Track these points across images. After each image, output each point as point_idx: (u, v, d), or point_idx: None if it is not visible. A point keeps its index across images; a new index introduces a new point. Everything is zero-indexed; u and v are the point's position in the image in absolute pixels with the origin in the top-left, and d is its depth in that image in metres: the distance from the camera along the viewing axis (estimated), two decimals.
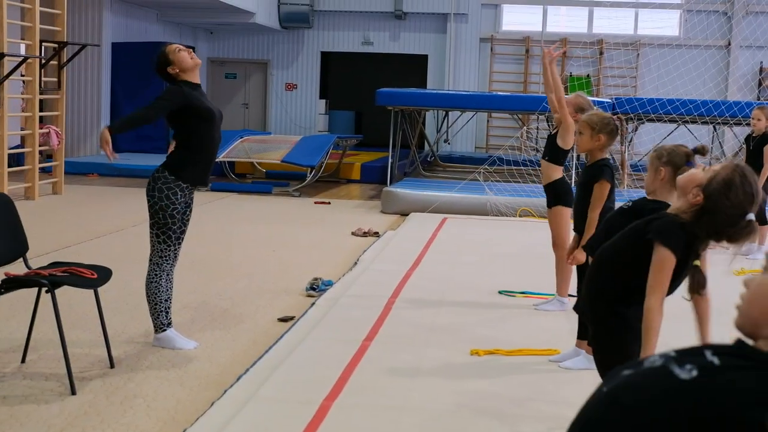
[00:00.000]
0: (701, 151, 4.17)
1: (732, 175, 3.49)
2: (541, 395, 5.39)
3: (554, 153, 7.34)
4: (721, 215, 3.49)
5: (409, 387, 5.44)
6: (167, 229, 6.10)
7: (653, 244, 3.59)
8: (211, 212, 13.28)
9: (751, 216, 3.50)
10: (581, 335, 5.95)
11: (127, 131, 6.34)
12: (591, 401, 1.81)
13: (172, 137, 6.25)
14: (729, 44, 23.83)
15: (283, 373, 5.60)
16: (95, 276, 5.57)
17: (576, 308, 4.32)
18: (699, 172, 3.67)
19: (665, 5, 24.30)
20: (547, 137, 7.89)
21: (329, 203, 15.02)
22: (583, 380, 5.43)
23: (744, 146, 10.93)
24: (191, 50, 6.30)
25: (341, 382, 5.43)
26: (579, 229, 6.15)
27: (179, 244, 6.30)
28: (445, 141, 22.25)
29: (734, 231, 3.51)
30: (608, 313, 3.85)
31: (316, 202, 15.06)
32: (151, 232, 6.17)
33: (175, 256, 6.31)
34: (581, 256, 5.99)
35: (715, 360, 1.74)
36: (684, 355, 1.78)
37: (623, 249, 3.81)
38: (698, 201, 3.52)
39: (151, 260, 6.21)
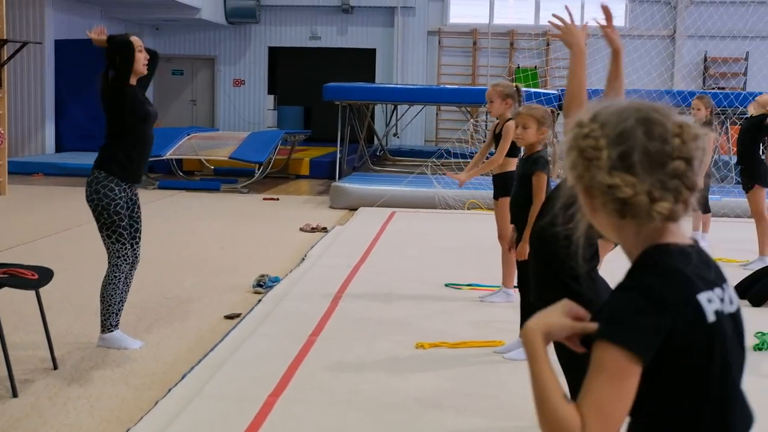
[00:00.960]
0: None
1: None
2: (485, 386, 5.42)
3: (512, 145, 7.28)
4: None
5: (355, 381, 5.45)
6: (116, 226, 6.05)
7: None
8: (158, 210, 13.18)
9: None
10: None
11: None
12: None
13: (106, 132, 6.17)
14: (674, 34, 24.08)
15: (228, 370, 5.59)
16: (36, 277, 5.52)
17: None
18: None
19: None
20: None
21: (278, 199, 14.99)
22: (526, 370, 5.46)
23: None
24: (148, 57, 6.22)
25: (286, 378, 5.43)
26: (516, 220, 6.19)
27: (135, 243, 6.25)
28: (395, 135, 22.29)
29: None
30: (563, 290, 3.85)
31: (264, 199, 15.02)
32: (102, 235, 6.11)
33: (135, 257, 6.26)
34: (525, 249, 6.01)
35: None
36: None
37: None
38: None
39: (109, 262, 6.14)
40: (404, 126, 21.91)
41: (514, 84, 7.51)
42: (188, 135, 17.22)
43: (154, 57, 6.38)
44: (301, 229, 11.60)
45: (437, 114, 24.41)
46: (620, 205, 1.76)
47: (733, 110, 15.99)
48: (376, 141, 21.13)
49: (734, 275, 9.01)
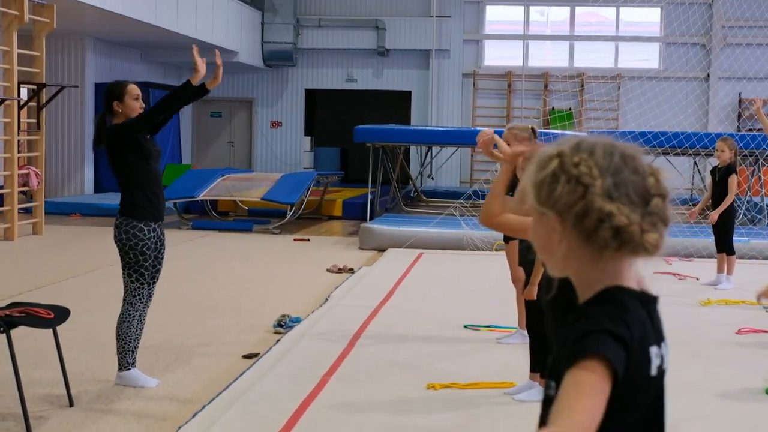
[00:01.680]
0: None
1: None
2: (493, 427, 5.47)
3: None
4: None
5: (362, 422, 5.52)
6: (139, 266, 6.19)
7: None
8: (190, 250, 13.36)
9: None
10: (534, 368, 6.04)
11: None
12: None
13: (117, 179, 6.34)
14: (708, 76, 24.07)
15: (239, 409, 5.68)
16: (52, 316, 5.66)
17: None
18: None
19: (645, 38, 24.55)
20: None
21: (308, 240, 15.13)
22: (535, 412, 5.50)
23: (711, 178, 11.05)
24: (144, 107, 6.37)
25: (294, 418, 5.51)
26: (523, 262, 6.25)
27: (153, 283, 6.38)
28: (429, 176, 22.41)
29: None
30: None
31: (295, 239, 15.16)
32: (123, 273, 6.26)
33: (149, 296, 6.39)
34: (533, 291, 6.07)
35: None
36: (550, 373, 1.90)
37: None
38: None
39: (124, 300, 6.29)
40: (438, 167, 22.03)
41: (529, 126, 7.57)
42: (222, 176, 17.45)
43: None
44: (328, 270, 11.70)
45: (472, 155, 24.51)
46: (613, 234, 1.80)
47: (763, 152, 15.94)
48: (411, 182, 21.27)
49: (757, 318, 9.00)
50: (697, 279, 11.24)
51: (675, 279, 11.33)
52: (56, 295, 9.30)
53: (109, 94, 6.29)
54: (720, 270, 10.86)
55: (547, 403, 1.84)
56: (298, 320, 8.40)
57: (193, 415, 5.58)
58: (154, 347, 7.48)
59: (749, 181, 17.91)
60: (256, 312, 9.01)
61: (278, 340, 7.63)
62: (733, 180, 10.51)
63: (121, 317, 6.25)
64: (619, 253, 1.82)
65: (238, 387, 6.19)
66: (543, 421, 1.90)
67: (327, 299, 9.58)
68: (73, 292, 9.67)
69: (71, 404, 5.86)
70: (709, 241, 11.68)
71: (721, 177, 10.59)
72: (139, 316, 6.30)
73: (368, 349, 7.39)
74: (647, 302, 1.88)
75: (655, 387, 1.84)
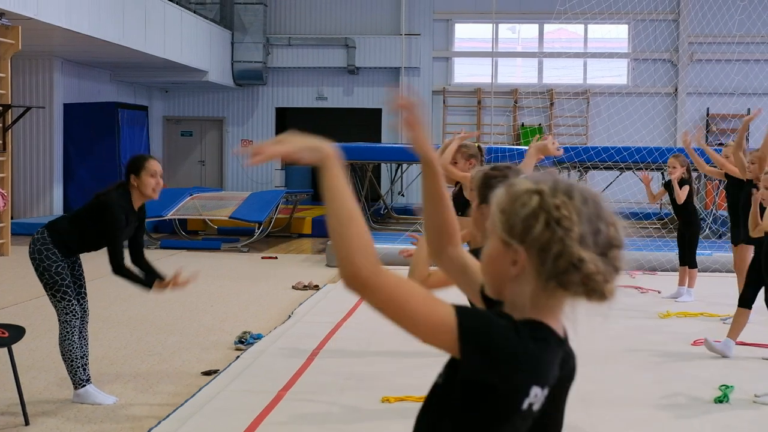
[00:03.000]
0: None
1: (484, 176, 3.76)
2: None
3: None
4: None
5: None
6: (59, 285, 6.16)
7: None
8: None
9: None
10: None
11: (144, 282, 6.35)
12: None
13: (79, 212, 6.37)
14: (676, 91, 24.30)
15: (193, 424, 5.73)
16: (6, 335, 5.70)
17: None
18: None
19: (613, 54, 24.77)
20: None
21: (276, 258, 15.18)
22: None
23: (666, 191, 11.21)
24: (161, 185, 6.36)
25: None
26: None
27: (81, 298, 6.37)
28: (399, 193, 22.50)
29: None
30: None
31: (263, 257, 15.21)
32: (47, 294, 6.25)
33: (84, 311, 6.38)
34: None
35: None
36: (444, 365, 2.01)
37: None
38: None
39: (59, 320, 6.24)
40: (408, 184, 22.13)
41: (476, 144, 7.67)
42: (191, 195, 17.47)
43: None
44: (293, 287, 11.76)
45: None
46: (581, 279, 1.86)
47: None
48: (381, 199, 21.35)
49: (713, 330, 9.12)
50: (659, 292, 11.36)
51: (637, 292, 11.45)
52: (19, 315, 9.32)
53: (129, 166, 6.28)
54: (681, 283, 10.99)
55: (434, 390, 1.94)
56: (259, 336, 8.45)
57: (149, 431, 5.62)
58: (113, 365, 7.52)
59: (714, 195, 18.10)
60: (217, 329, 9.05)
61: (238, 357, 7.68)
62: (684, 189, 10.66)
63: (60, 337, 6.23)
64: (574, 296, 1.90)
65: (195, 403, 6.24)
66: (427, 406, 1.99)
67: (290, 316, 9.63)
68: (36, 312, 9.67)
69: (27, 423, 5.89)
70: (673, 255, 11.81)
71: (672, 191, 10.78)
72: (79, 332, 6.29)
73: (326, 363, 7.45)
74: (564, 343, 1.94)
75: (523, 420, 1.89)
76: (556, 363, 1.89)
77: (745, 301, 7.85)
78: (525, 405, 1.85)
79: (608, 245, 1.89)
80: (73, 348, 6.26)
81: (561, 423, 2.01)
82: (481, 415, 1.88)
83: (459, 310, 1.82)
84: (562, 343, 1.92)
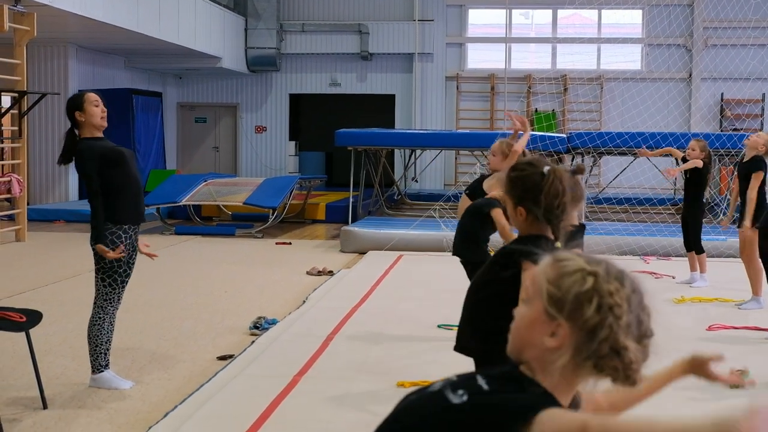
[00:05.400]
0: (578, 171, 4.23)
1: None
2: None
3: None
4: (541, 204, 3.65)
5: (330, 419, 5.62)
6: (113, 272, 6.27)
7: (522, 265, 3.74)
8: (172, 255, 13.42)
9: (548, 168, 3.70)
10: None
11: (102, 226, 6.27)
12: (382, 423, 2.00)
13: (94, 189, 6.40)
14: (690, 76, 24.21)
15: (210, 408, 5.77)
16: (24, 319, 5.75)
17: None
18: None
19: (627, 40, 24.69)
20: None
21: (290, 243, 15.21)
22: None
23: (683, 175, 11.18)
24: (105, 111, 6.42)
25: (264, 417, 5.60)
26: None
27: (123, 287, 6.46)
28: (413, 179, 22.50)
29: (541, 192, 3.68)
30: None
31: (277, 243, 15.25)
32: (96, 277, 6.34)
33: (119, 300, 6.47)
34: None
35: (484, 385, 1.92)
36: (460, 381, 1.97)
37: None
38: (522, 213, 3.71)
39: (95, 304, 6.36)
40: (422, 170, 22.13)
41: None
42: (205, 181, 17.52)
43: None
44: (307, 273, 11.79)
45: (456, 158, 24.62)
46: (622, 366, 1.89)
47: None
48: (394, 185, 21.35)
49: (728, 314, 9.13)
50: (673, 278, 11.35)
51: (651, 278, 11.44)
52: (35, 300, 9.38)
53: (69, 108, 6.32)
54: (693, 268, 10.97)
55: (450, 411, 1.90)
56: (274, 322, 8.49)
57: (165, 415, 5.67)
58: (129, 350, 7.57)
59: (728, 181, 18.05)
60: (233, 314, 9.09)
61: (253, 342, 7.72)
62: (693, 163, 10.61)
63: (92, 321, 6.34)
64: (606, 379, 1.92)
65: (211, 387, 6.28)
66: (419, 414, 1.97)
67: (304, 301, 9.67)
68: (52, 298, 9.75)
69: (45, 407, 5.93)
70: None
71: (692, 173, 10.75)
72: (110, 319, 6.38)
73: (341, 349, 7.48)
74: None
75: None
76: None
77: None
78: None
79: (645, 335, 1.93)
80: (102, 333, 6.33)
81: None
82: None
83: None
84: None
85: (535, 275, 1.97)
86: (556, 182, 3.64)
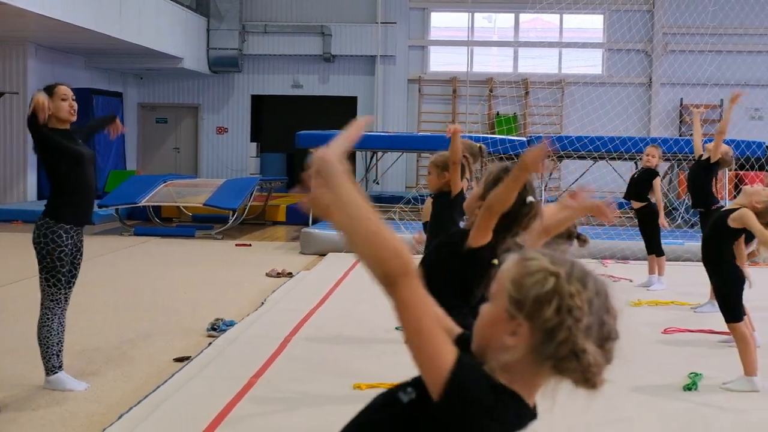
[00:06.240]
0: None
1: (499, 172, 3.80)
2: None
3: None
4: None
5: (285, 421, 5.61)
6: (56, 272, 6.23)
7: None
8: (130, 256, 13.35)
9: (531, 198, 3.76)
10: None
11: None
12: (345, 425, 2.03)
13: (49, 181, 6.37)
14: (650, 81, 24.43)
15: (165, 410, 5.74)
16: None
17: None
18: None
19: (588, 44, 24.85)
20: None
21: (250, 245, 15.17)
22: None
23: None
24: (75, 105, 6.40)
25: (219, 419, 5.58)
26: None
27: (70, 288, 6.42)
28: (374, 181, 22.50)
29: (520, 218, 3.77)
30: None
31: (237, 245, 15.20)
32: (40, 278, 6.30)
33: (66, 300, 6.42)
34: None
35: None
36: (413, 380, 1.99)
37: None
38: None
39: (42, 305, 6.32)
40: (383, 172, 22.14)
41: (478, 144, 7.59)
42: (165, 182, 17.43)
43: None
44: (266, 275, 11.76)
45: (417, 160, 24.66)
46: (580, 368, 1.87)
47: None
48: None
49: (684, 318, 9.21)
50: (631, 281, 11.43)
51: (609, 281, 11.51)
52: None
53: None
54: (651, 271, 11.07)
55: (394, 406, 1.94)
56: (232, 323, 8.46)
57: (119, 417, 5.63)
58: (86, 351, 7.52)
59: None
60: (190, 316, 9.05)
61: (210, 344, 7.69)
62: (657, 182, 10.81)
63: (40, 322, 6.29)
64: (564, 380, 1.91)
65: (166, 389, 6.25)
66: (378, 418, 1.98)
67: (263, 303, 9.64)
68: (8, 299, 9.65)
69: None
70: (644, 244, 11.88)
71: (640, 174, 10.94)
72: (59, 320, 6.33)
73: (298, 351, 7.47)
74: (535, 417, 1.96)
75: None
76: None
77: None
78: None
79: (608, 338, 1.90)
80: (51, 335, 6.28)
81: None
82: None
83: (461, 360, 1.82)
84: (534, 416, 1.95)
85: (500, 273, 1.96)
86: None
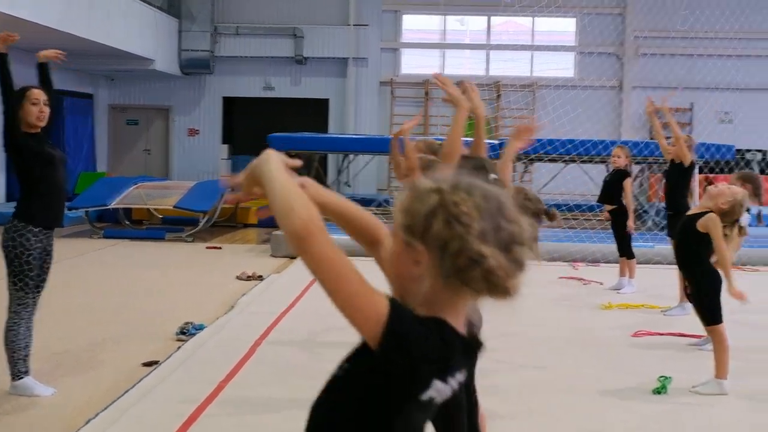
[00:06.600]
0: None
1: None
2: None
3: None
4: None
5: (256, 425, 5.57)
6: (24, 276, 6.16)
7: None
8: (99, 259, 13.25)
9: (494, 176, 3.74)
10: None
11: None
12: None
13: (20, 183, 6.32)
14: (621, 84, 24.52)
15: (133, 415, 5.69)
16: None
17: None
18: None
19: (560, 47, 24.93)
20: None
21: (221, 248, 15.09)
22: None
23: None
24: (46, 108, 6.34)
25: (188, 423, 5.53)
26: None
27: (38, 292, 6.35)
28: (346, 183, 22.48)
29: None
30: None
31: (207, 247, 15.12)
32: (8, 281, 6.23)
33: (35, 304, 6.36)
34: None
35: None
36: (343, 361, 2.12)
37: None
38: None
39: (10, 309, 6.25)
40: (355, 175, 22.11)
41: (439, 143, 7.54)
42: (135, 184, 17.31)
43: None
44: (237, 278, 11.70)
45: (389, 163, 24.62)
46: (483, 275, 1.84)
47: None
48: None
49: (653, 321, 9.24)
50: (601, 284, 11.46)
51: (579, 284, 11.56)
52: None
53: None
54: (622, 274, 11.10)
55: (334, 383, 2.03)
56: (201, 327, 8.40)
57: (87, 422, 5.57)
58: (54, 354, 7.44)
59: (657, 188, 18.30)
60: (159, 320, 8.98)
61: (179, 347, 7.63)
62: (627, 183, 10.85)
63: (7, 326, 6.22)
64: (477, 293, 1.89)
65: (135, 394, 6.20)
66: (325, 399, 2.01)
67: (233, 306, 9.59)
68: None
69: None
70: (615, 247, 11.91)
71: (612, 175, 10.98)
72: (26, 324, 6.26)
73: (268, 354, 7.43)
74: (463, 339, 1.95)
75: (422, 411, 1.94)
76: (456, 358, 1.92)
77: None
78: (425, 397, 1.89)
79: (511, 242, 1.88)
80: (18, 339, 6.21)
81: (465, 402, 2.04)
82: (383, 402, 1.91)
83: (393, 303, 1.84)
84: (462, 340, 1.93)
85: (393, 208, 1.97)
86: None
